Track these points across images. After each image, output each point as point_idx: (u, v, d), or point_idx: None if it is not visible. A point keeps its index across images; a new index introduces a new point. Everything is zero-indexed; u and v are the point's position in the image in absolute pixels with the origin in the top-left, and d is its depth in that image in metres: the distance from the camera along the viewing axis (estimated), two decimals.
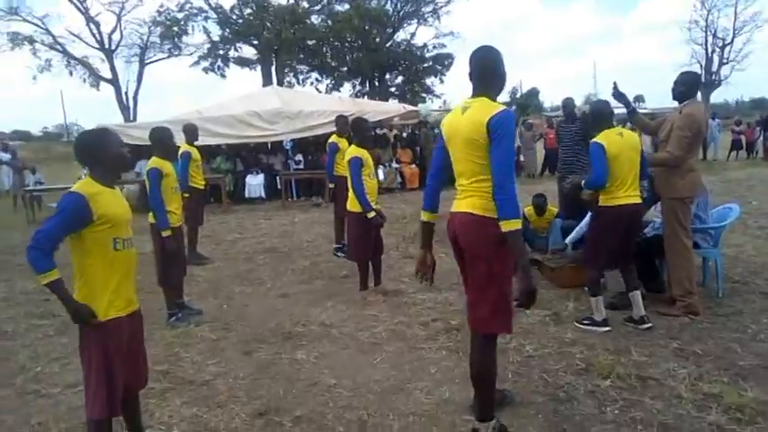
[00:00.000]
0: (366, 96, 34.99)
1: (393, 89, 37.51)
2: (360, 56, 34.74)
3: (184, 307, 5.59)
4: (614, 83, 5.22)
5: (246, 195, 14.00)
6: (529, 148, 16.04)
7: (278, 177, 13.92)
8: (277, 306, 5.88)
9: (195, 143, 7.94)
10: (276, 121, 13.70)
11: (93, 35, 33.60)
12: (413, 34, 37.08)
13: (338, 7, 34.93)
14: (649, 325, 4.65)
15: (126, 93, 34.69)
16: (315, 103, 15.55)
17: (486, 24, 67.23)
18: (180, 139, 12.96)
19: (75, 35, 33.10)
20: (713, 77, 43.28)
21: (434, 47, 36.94)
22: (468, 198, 2.96)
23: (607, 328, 4.67)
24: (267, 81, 32.78)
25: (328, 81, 35.45)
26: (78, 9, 33.19)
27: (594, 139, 4.66)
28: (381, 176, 14.88)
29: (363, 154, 5.68)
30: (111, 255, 2.74)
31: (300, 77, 35.43)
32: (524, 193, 7.77)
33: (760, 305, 5.14)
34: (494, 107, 2.84)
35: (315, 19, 34.27)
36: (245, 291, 6.54)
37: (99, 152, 2.81)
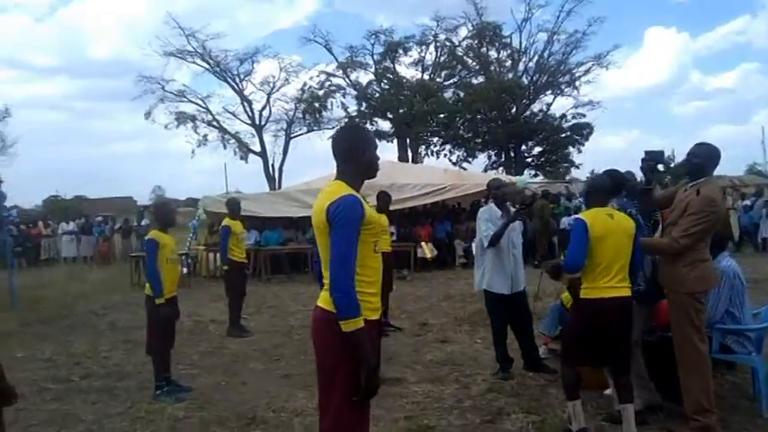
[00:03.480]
0: (502, 167, 34.51)
1: (530, 159, 36.64)
2: (494, 126, 34.53)
3: (171, 382, 5.57)
4: (657, 153, 4.53)
5: None
6: None
7: None
8: (270, 387, 5.66)
9: (237, 217, 8.11)
10: (369, 193, 13.77)
11: (246, 112, 36.74)
12: (549, 104, 36.26)
13: (473, 80, 35.27)
14: None
15: (272, 165, 37.21)
16: (414, 175, 15.55)
17: (632, 92, 62.81)
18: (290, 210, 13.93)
19: (230, 113, 36.42)
20: None
21: (573, 117, 35.79)
22: (325, 291, 2.64)
23: None
24: (402, 153, 33.57)
25: (460, 152, 35.44)
26: (235, 90, 36.64)
27: (579, 215, 4.09)
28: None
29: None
30: None
31: (434, 149, 35.79)
32: None
33: None
34: (338, 192, 2.55)
35: (448, 93, 34.82)
36: (256, 368, 6.39)
37: None
